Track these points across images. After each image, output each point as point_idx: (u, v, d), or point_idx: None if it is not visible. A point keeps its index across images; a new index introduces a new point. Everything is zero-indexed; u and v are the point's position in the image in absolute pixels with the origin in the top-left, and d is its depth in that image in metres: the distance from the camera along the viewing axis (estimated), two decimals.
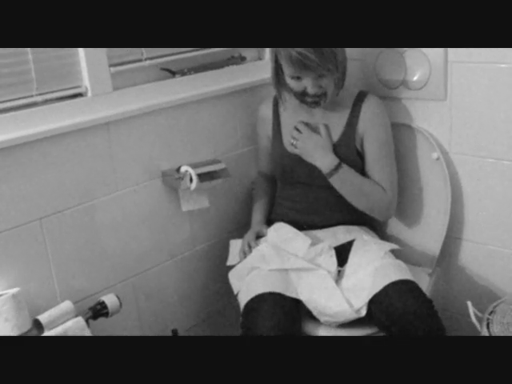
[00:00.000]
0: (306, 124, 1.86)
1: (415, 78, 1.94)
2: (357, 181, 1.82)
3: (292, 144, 1.85)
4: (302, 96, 1.79)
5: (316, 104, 1.81)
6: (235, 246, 1.94)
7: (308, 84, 1.74)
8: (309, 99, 1.79)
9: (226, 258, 1.95)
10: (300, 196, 1.92)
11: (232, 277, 1.83)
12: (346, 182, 1.81)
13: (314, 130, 1.85)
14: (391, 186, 1.85)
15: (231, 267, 1.86)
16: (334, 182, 1.81)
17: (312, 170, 1.84)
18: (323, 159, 1.81)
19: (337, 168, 1.79)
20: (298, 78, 1.75)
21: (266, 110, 1.98)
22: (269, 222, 1.96)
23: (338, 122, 1.86)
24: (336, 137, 1.85)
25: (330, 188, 1.84)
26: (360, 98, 1.86)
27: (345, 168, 1.80)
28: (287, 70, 1.76)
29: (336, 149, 1.83)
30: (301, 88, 1.77)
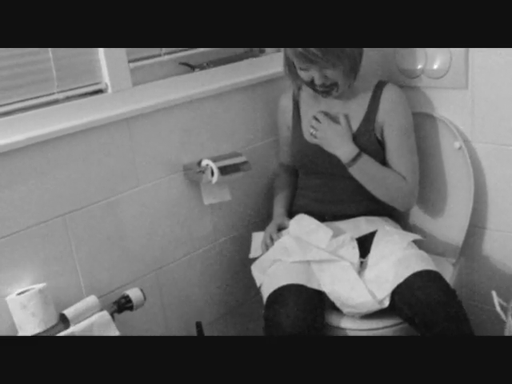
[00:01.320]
0: (326, 114, 1.86)
1: (436, 67, 1.93)
2: (377, 170, 1.81)
3: (311, 134, 1.85)
4: (311, 86, 1.80)
5: (327, 94, 1.81)
6: (257, 238, 1.95)
7: (315, 75, 1.75)
8: (318, 89, 1.79)
9: (248, 250, 1.95)
10: (321, 186, 1.92)
11: (255, 269, 1.83)
12: (365, 172, 1.81)
13: (334, 119, 1.85)
14: (412, 176, 1.84)
15: (254, 260, 1.87)
16: (354, 171, 1.81)
17: (332, 159, 1.84)
18: (343, 149, 1.80)
19: (356, 157, 1.79)
20: (306, 69, 1.76)
21: (286, 101, 1.98)
22: (290, 214, 1.96)
23: (357, 112, 1.85)
24: (355, 126, 1.84)
25: (351, 178, 1.83)
26: (379, 88, 1.85)
27: (364, 157, 1.79)
28: (295, 62, 1.78)
29: (356, 138, 1.82)
30: (309, 78, 1.78)
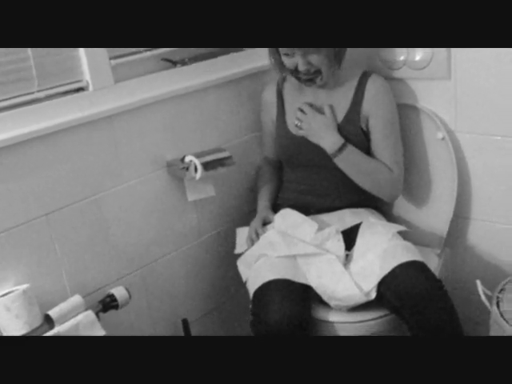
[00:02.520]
0: (310, 105, 1.85)
1: (418, 58, 1.93)
2: (362, 161, 1.81)
3: (296, 125, 1.85)
4: (295, 73, 1.80)
5: (311, 82, 1.80)
6: (242, 233, 1.94)
7: (299, 61, 1.74)
8: (302, 77, 1.79)
9: (233, 246, 1.95)
10: (306, 179, 1.91)
11: (240, 264, 1.83)
12: (351, 162, 1.80)
13: (319, 110, 1.84)
14: (397, 166, 1.84)
15: (239, 255, 1.87)
16: (339, 162, 1.80)
17: (317, 151, 1.83)
18: (328, 139, 1.80)
19: (342, 148, 1.78)
20: (289, 55, 1.75)
21: (270, 94, 1.97)
22: (275, 208, 1.96)
23: (342, 102, 1.85)
24: (341, 117, 1.84)
25: (336, 170, 1.83)
26: (364, 78, 1.85)
27: (350, 148, 1.79)
28: (279, 48, 1.77)
29: (341, 129, 1.82)
30: (293, 65, 1.77)
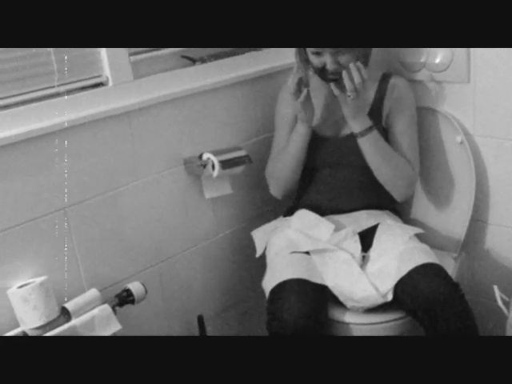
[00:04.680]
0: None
1: (438, 61, 1.92)
2: (387, 148, 1.79)
3: (348, 91, 1.72)
4: (321, 72, 1.78)
5: (336, 81, 1.79)
6: (258, 235, 1.94)
7: (327, 60, 1.73)
8: (329, 76, 1.77)
9: (249, 244, 1.94)
10: (323, 179, 1.90)
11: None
12: (376, 146, 1.77)
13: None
14: (416, 165, 1.84)
15: (254, 253, 1.87)
16: (364, 142, 1.77)
17: (335, 150, 1.83)
18: (359, 119, 1.76)
19: (370, 129, 1.76)
20: (318, 54, 1.74)
21: (288, 92, 1.95)
22: (292, 210, 1.95)
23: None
24: None
25: (354, 170, 1.83)
26: (385, 79, 1.85)
27: (376, 132, 1.77)
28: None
29: None
30: (321, 64, 1.75)
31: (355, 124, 1.77)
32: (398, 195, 1.85)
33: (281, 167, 1.89)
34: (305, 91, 1.77)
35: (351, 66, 1.69)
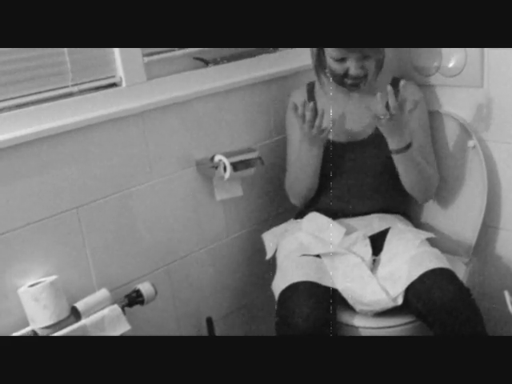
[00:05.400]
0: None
1: (451, 65, 1.91)
2: (420, 164, 1.79)
3: (388, 113, 1.69)
4: (342, 78, 1.78)
5: (356, 87, 1.79)
6: (269, 237, 1.94)
7: (352, 65, 1.73)
8: (349, 81, 1.77)
9: (259, 246, 1.94)
10: (336, 182, 1.89)
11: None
12: (414, 162, 1.77)
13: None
14: (435, 166, 1.87)
15: (264, 256, 1.87)
16: (402, 158, 1.76)
17: (347, 157, 1.83)
18: (399, 135, 1.73)
19: (406, 148, 1.74)
20: (342, 60, 1.74)
21: (300, 97, 1.94)
22: (303, 213, 1.95)
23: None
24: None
25: (367, 175, 1.83)
26: (395, 84, 1.83)
27: (412, 150, 1.75)
28: (332, 52, 1.74)
29: (378, 135, 1.79)
30: (343, 70, 1.75)
31: (391, 142, 1.75)
32: (422, 200, 1.90)
33: (299, 184, 1.91)
34: (309, 113, 1.73)
35: (388, 89, 1.65)
